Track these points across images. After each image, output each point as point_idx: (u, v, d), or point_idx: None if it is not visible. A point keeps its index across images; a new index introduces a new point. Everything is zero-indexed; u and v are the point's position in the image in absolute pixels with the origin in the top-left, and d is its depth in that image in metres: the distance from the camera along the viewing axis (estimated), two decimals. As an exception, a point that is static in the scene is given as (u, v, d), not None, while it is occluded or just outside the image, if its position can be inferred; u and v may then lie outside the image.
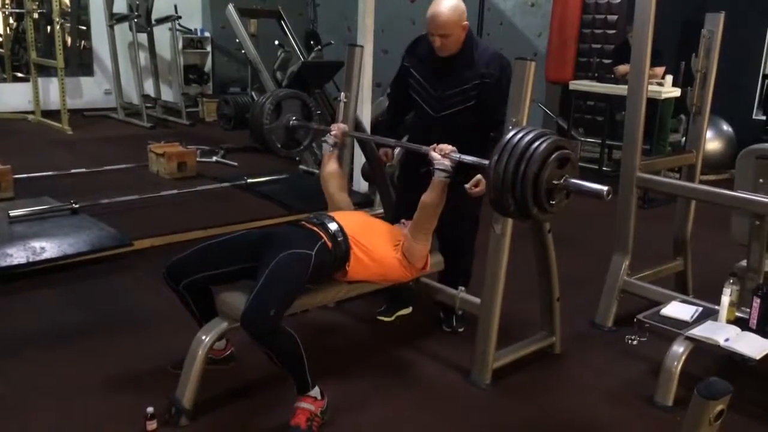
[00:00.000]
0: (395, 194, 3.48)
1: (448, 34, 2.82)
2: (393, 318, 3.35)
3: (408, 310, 3.41)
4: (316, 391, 2.41)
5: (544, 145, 2.06)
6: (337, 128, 3.03)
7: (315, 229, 2.56)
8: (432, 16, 2.80)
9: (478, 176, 2.69)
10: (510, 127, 2.37)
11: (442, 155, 2.53)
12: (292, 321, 2.48)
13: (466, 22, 2.86)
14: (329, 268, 2.55)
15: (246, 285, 2.41)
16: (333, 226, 2.57)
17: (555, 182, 2.10)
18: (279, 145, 3.08)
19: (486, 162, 2.18)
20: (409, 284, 2.99)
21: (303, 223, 2.64)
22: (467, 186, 2.71)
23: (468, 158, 2.49)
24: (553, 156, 2.08)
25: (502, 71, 2.83)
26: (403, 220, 2.85)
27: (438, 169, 2.54)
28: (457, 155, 2.52)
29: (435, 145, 2.57)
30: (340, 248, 2.54)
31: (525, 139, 2.09)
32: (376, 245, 2.62)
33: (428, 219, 2.61)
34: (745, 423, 2.58)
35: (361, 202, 4.93)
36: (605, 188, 2.06)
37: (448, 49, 2.87)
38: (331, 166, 3.01)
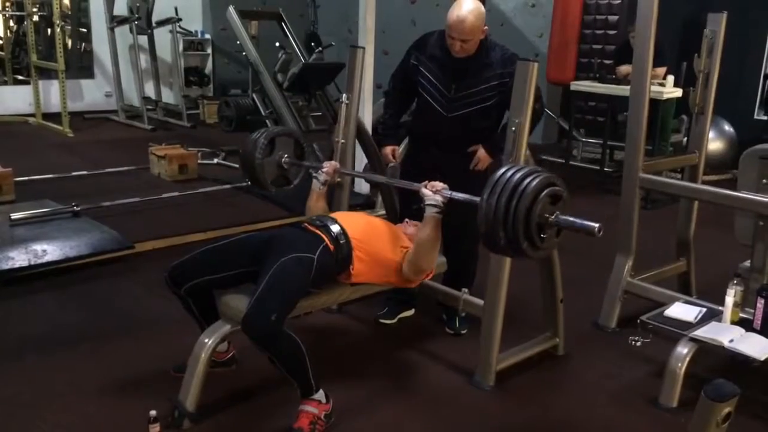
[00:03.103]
0: (398, 197, 3.47)
1: (470, 39, 2.81)
2: (395, 320, 3.34)
3: (410, 312, 3.40)
4: (320, 395, 2.40)
5: (536, 181, 2.06)
6: (330, 166, 2.93)
7: (317, 231, 2.54)
8: (456, 21, 2.77)
9: (479, 154, 2.85)
10: (502, 166, 2.31)
11: (433, 191, 2.48)
12: (294, 324, 2.48)
13: (486, 26, 2.85)
14: (332, 271, 2.53)
15: (249, 288, 2.39)
16: (335, 229, 2.55)
17: (546, 217, 2.09)
18: (269, 181, 3.06)
19: (477, 199, 2.16)
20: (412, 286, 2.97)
21: (305, 225, 2.63)
22: (475, 167, 2.87)
23: (459, 195, 2.44)
24: (545, 192, 2.07)
25: None
26: (406, 220, 2.84)
27: (429, 204, 2.48)
28: (448, 192, 2.47)
29: (426, 182, 2.53)
30: (343, 251, 2.52)
31: (517, 175, 2.09)
32: (379, 248, 2.60)
33: (427, 255, 2.56)
34: (750, 424, 2.57)
35: (363, 204, 4.92)
36: (596, 225, 2.05)
37: (466, 53, 2.87)
38: (318, 205, 2.89)
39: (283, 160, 3.05)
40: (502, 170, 2.14)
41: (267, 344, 2.26)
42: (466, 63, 2.91)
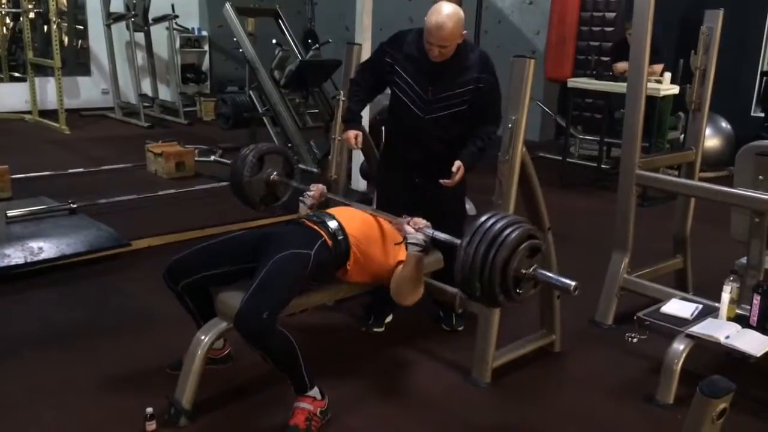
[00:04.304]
0: (376, 187, 3.43)
1: (448, 45, 2.79)
2: (383, 327, 3.27)
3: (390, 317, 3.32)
4: (315, 391, 2.40)
5: (516, 233, 2.05)
6: (316, 189, 2.91)
7: (315, 227, 2.54)
8: (435, 27, 2.72)
9: (459, 174, 2.81)
10: (484, 215, 2.26)
11: (416, 229, 2.47)
12: (289, 320, 2.47)
13: (465, 31, 2.84)
14: (329, 266, 2.54)
15: (245, 285, 2.39)
16: (333, 224, 2.55)
17: (523, 271, 2.08)
18: (257, 199, 3.05)
19: (457, 241, 2.16)
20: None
21: (303, 221, 2.63)
22: (445, 182, 2.83)
23: (441, 235, 2.42)
24: (524, 245, 2.06)
25: (493, 75, 2.86)
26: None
27: (411, 243, 2.47)
28: (430, 231, 2.45)
29: (409, 219, 2.52)
30: (340, 247, 2.53)
31: (497, 225, 2.08)
32: (374, 248, 2.60)
33: (409, 294, 2.57)
34: (746, 420, 2.58)
35: (359, 201, 4.91)
36: (573, 283, 2.03)
37: (444, 57, 2.84)
38: None
39: (272, 177, 3.04)
40: (484, 218, 2.14)
41: (258, 342, 2.25)
42: (443, 65, 2.86)
